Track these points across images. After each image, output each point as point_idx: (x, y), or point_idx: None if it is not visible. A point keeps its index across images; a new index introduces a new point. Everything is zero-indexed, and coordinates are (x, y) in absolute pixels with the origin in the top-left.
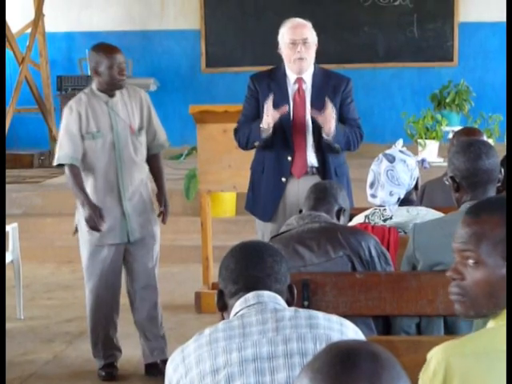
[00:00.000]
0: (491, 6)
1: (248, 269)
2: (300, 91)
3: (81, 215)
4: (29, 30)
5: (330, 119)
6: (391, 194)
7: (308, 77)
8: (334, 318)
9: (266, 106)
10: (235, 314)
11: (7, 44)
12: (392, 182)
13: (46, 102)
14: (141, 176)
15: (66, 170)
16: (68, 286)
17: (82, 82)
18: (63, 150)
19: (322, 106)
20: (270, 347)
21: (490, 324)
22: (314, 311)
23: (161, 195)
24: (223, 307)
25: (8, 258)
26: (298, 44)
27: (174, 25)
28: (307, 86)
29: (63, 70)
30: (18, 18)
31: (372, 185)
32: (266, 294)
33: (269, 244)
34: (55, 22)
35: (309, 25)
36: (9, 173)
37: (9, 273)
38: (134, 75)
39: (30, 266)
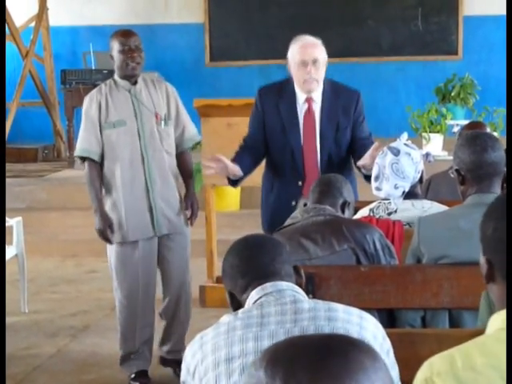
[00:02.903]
0: None
1: (252, 258)
2: (310, 111)
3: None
4: (33, 24)
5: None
6: (396, 187)
7: (317, 95)
8: (355, 311)
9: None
10: (254, 302)
11: (11, 38)
12: (397, 175)
13: (50, 96)
14: (171, 168)
15: (85, 165)
16: (72, 280)
17: (86, 75)
18: (80, 143)
19: (331, 128)
20: None
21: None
22: (334, 303)
23: (188, 196)
24: (238, 307)
25: (12, 251)
26: (307, 64)
27: (178, 18)
28: (317, 106)
29: (67, 63)
30: (21, 12)
31: (377, 178)
32: (285, 284)
33: (261, 233)
34: (59, 16)
35: (319, 43)
36: (13, 167)
37: (13, 267)
38: None
39: (34, 260)
